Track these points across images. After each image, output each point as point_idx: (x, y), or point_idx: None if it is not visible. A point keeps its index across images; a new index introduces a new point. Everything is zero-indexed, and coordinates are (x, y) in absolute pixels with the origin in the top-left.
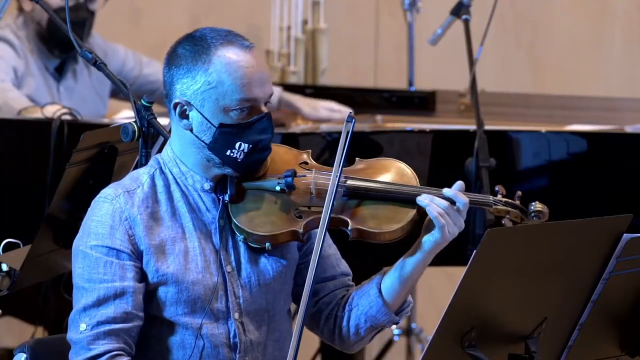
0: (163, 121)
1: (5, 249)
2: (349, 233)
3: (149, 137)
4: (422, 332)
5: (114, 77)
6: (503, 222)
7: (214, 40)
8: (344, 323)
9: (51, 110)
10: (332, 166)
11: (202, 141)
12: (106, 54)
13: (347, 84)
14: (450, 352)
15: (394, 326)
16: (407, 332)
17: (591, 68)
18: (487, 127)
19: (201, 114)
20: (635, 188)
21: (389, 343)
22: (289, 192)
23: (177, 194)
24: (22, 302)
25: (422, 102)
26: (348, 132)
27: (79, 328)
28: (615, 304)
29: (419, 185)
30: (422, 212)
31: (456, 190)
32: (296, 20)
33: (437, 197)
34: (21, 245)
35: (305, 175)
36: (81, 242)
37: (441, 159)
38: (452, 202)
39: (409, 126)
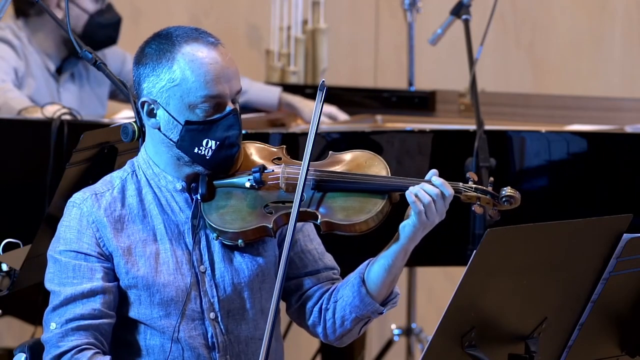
0: None
1: (5, 249)
2: (319, 226)
3: None
4: (422, 332)
5: (114, 77)
6: (473, 208)
7: (178, 38)
8: (329, 315)
9: (51, 110)
10: (315, 161)
11: (170, 139)
12: (105, 55)
13: (347, 84)
14: (450, 352)
15: (393, 325)
16: (407, 332)
17: (591, 68)
18: (487, 127)
19: (167, 111)
20: (635, 188)
21: (389, 343)
22: (258, 187)
23: (149, 196)
24: (22, 302)
25: (422, 102)
26: (321, 104)
27: (50, 327)
28: (615, 304)
29: (390, 175)
30: (394, 203)
31: (433, 176)
32: (296, 20)
33: (426, 185)
34: (21, 245)
35: (273, 170)
36: (52, 248)
37: (441, 159)
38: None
39: (409, 126)
